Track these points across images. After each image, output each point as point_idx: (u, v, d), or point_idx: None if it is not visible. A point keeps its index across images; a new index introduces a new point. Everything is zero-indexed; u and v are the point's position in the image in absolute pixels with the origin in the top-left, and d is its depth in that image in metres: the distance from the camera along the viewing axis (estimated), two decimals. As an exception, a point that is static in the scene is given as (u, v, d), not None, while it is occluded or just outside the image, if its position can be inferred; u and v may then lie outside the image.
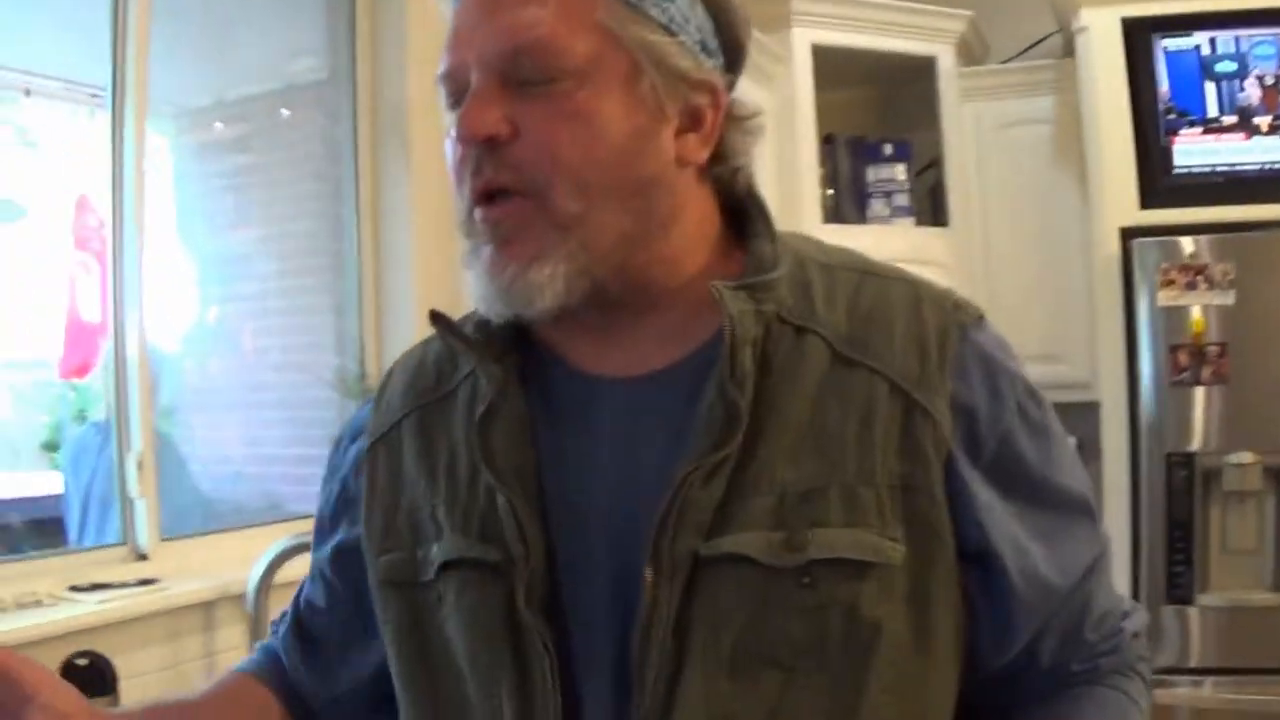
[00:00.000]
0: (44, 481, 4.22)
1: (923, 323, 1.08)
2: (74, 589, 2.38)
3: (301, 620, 1.31)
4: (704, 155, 1.09)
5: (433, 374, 1.21)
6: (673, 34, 1.05)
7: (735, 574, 1.01)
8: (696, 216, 1.10)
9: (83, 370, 4.01)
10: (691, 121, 1.07)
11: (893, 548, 1.02)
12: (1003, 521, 1.07)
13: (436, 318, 1.14)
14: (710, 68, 1.08)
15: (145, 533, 2.66)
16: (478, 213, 1.05)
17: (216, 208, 3.47)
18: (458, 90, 1.06)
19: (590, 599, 1.06)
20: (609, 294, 1.06)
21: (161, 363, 2.98)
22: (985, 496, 1.06)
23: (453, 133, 1.05)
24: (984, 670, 1.11)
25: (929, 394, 1.05)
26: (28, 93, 3.59)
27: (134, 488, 2.67)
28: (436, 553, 1.12)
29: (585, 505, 1.08)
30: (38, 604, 2.30)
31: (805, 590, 1.00)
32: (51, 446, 4.86)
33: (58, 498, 3.60)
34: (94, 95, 3.16)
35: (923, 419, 1.04)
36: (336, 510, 1.26)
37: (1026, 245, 4.02)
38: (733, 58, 1.12)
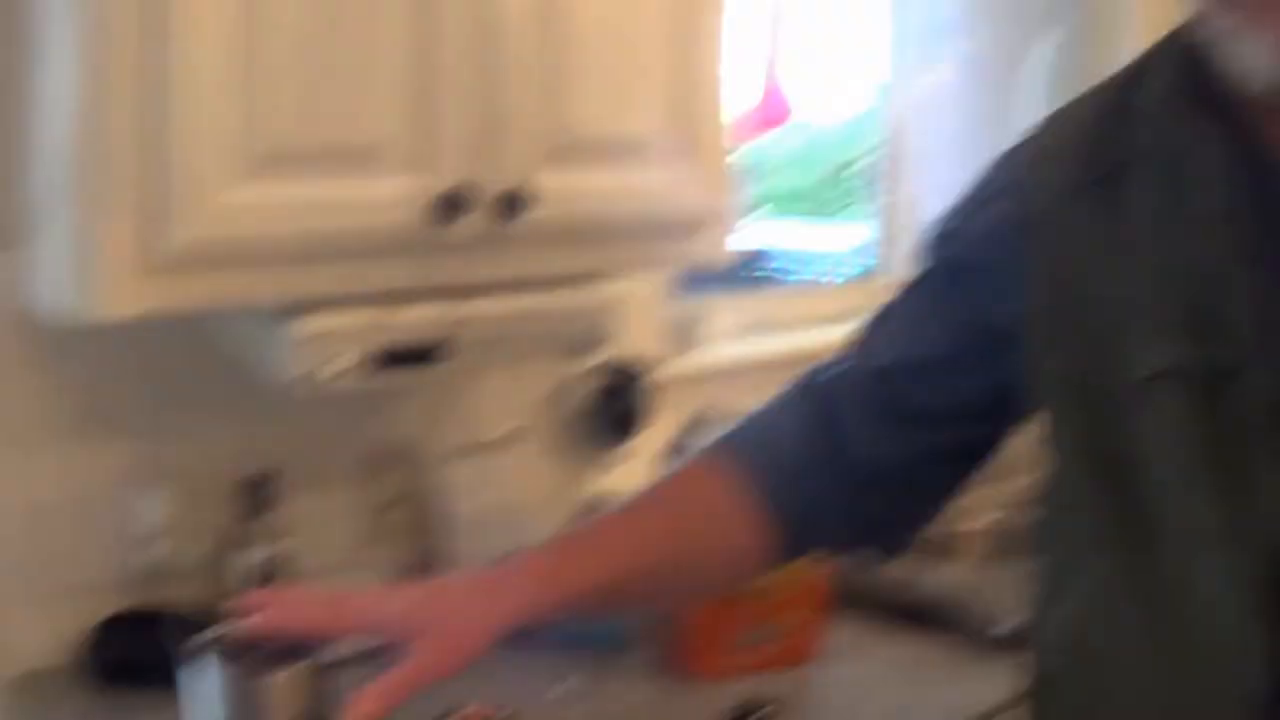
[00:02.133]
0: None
1: None
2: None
3: (883, 384, 1.17)
4: None
5: (1094, 142, 1.07)
6: None
7: None
8: None
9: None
10: None
11: None
12: None
13: (1190, 78, 0.99)
14: None
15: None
16: None
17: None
18: None
19: None
20: None
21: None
22: None
23: None
24: None
25: None
26: None
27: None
28: (1144, 356, 0.99)
29: None
30: (813, 325, 2.56)
31: None
32: None
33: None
34: None
35: None
36: (973, 275, 1.15)
37: None
38: None
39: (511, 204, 1.56)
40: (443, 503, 1.99)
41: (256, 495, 1.75)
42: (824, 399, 1.20)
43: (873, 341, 1.21)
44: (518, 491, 2.03)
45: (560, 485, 2.14)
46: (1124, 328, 1.01)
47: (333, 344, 1.54)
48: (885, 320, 1.21)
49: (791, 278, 3.96)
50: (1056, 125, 1.14)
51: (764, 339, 2.56)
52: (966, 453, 1.19)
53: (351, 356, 1.54)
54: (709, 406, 2.10)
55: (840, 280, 3.14)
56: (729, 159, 1.84)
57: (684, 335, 2.33)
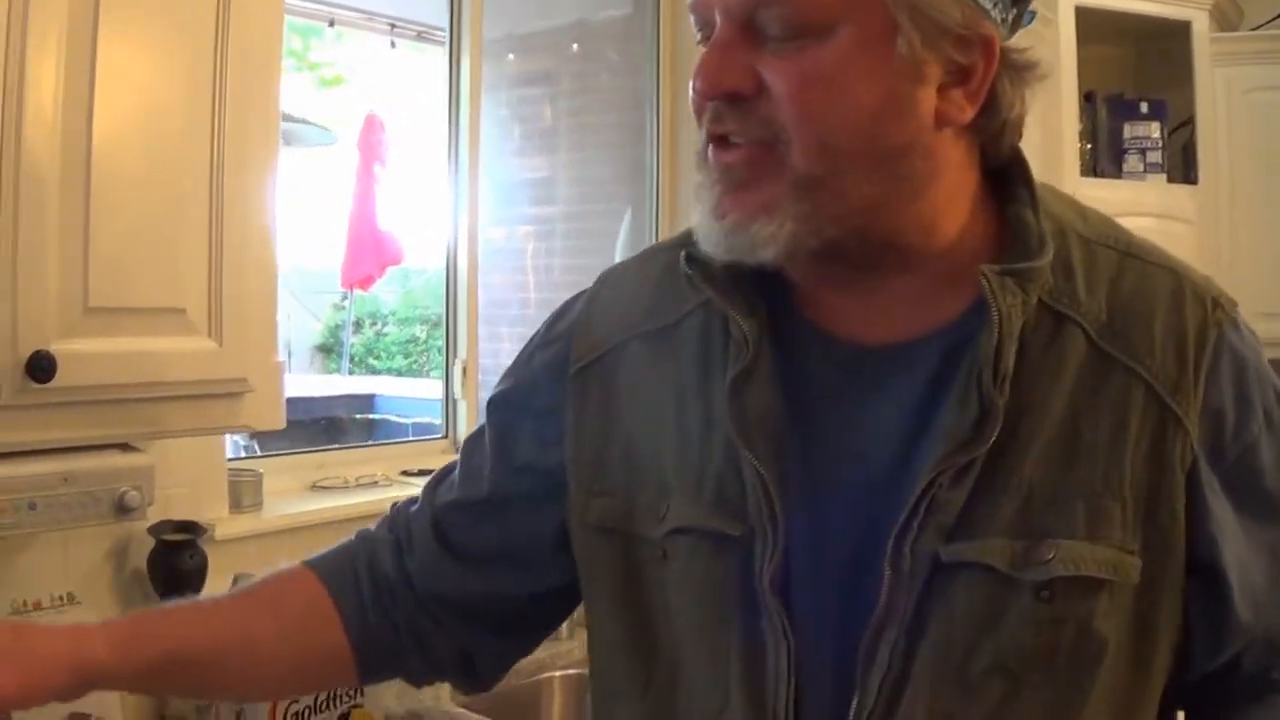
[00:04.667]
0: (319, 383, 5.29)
1: (1182, 319, 1.03)
2: (404, 473, 2.86)
3: (441, 522, 1.23)
4: (969, 115, 0.99)
5: (649, 298, 1.14)
6: None
7: (974, 580, 0.97)
8: (954, 177, 1.02)
9: (365, 282, 4.23)
10: (957, 77, 0.97)
11: (1131, 564, 0.99)
12: (1234, 537, 1.03)
13: (691, 260, 1.06)
14: (986, 13, 0.97)
15: (464, 429, 3.04)
16: (711, 152, 1.00)
17: (505, 135, 3.77)
18: (704, 25, 0.99)
19: (822, 586, 1.02)
20: (849, 255, 1.00)
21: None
22: (1219, 510, 1.02)
23: (693, 78, 0.98)
24: (1186, 675, 1.07)
25: (1184, 402, 1.00)
26: (331, 24, 3.76)
27: (458, 389, 3.08)
28: (667, 514, 1.07)
29: (827, 485, 1.03)
30: (374, 484, 2.76)
31: (1042, 604, 0.97)
32: (326, 350, 5.96)
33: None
34: (393, 27, 3.45)
35: (1175, 429, 1.00)
36: (525, 421, 1.20)
37: (1273, 206, 4.08)
38: None
39: (37, 368, 1.58)
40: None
41: None
42: (399, 534, 1.26)
43: (440, 484, 1.28)
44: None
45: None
46: (653, 481, 1.09)
47: None
48: (455, 465, 1.28)
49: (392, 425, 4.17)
50: (614, 280, 1.22)
51: (325, 498, 2.62)
52: (540, 595, 1.24)
53: None
54: (261, 566, 2.14)
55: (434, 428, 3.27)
56: (270, 324, 1.91)
57: (242, 494, 2.37)
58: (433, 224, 3.40)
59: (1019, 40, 1.03)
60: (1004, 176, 1.07)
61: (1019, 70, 1.02)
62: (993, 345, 0.97)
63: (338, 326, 6.35)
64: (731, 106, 0.97)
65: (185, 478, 2.23)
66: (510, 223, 3.76)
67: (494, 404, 1.26)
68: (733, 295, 1.06)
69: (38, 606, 2.00)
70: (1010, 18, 1.01)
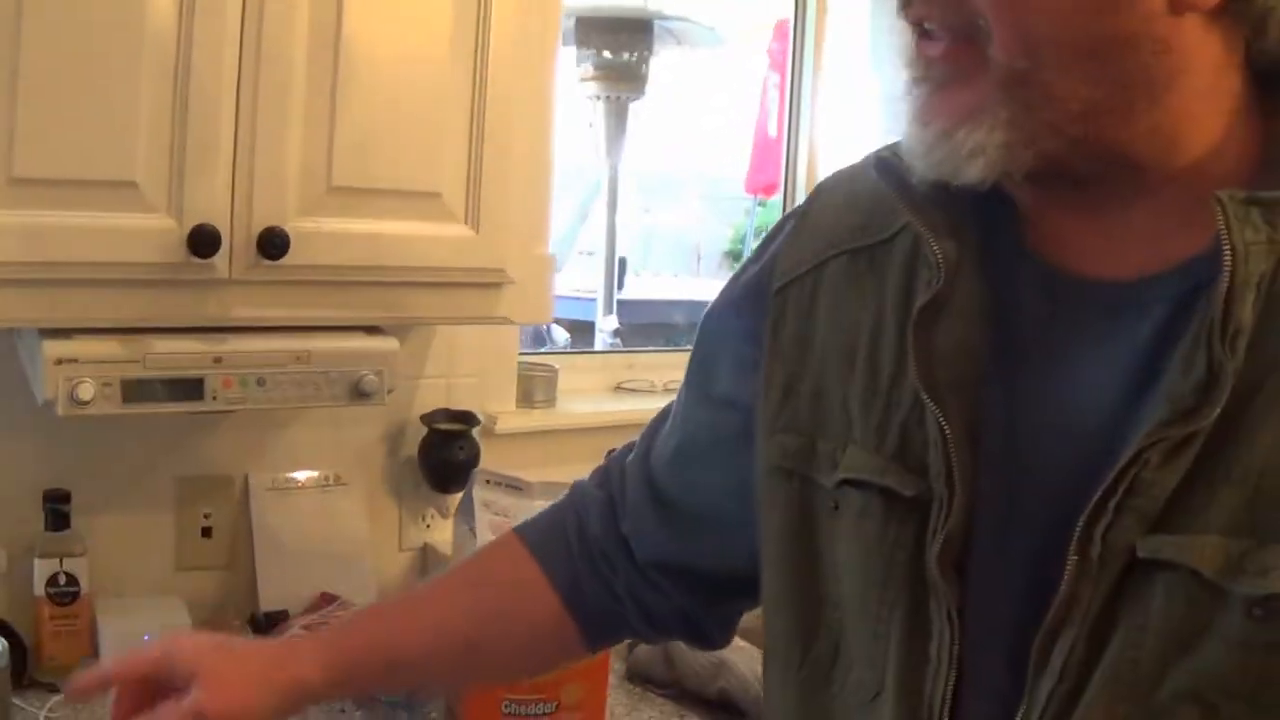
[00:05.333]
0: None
1: None
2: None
3: (655, 479, 1.16)
4: None
5: (864, 210, 1.01)
6: None
7: (1174, 585, 0.80)
8: (1207, 76, 0.84)
9: (769, 189, 4.08)
10: None
11: None
12: None
13: (884, 165, 0.94)
14: None
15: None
16: (915, 44, 0.87)
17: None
18: None
19: (1002, 567, 0.88)
20: (1071, 171, 0.86)
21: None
22: None
23: None
24: None
25: None
26: None
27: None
28: (842, 460, 0.96)
29: (1024, 446, 0.88)
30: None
31: (1256, 623, 0.79)
32: (734, 256, 5.67)
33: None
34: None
35: None
36: (726, 347, 1.11)
37: None
38: None
39: (269, 245, 1.56)
40: (255, 538, 1.98)
41: (55, 510, 1.78)
42: (613, 491, 1.19)
43: (654, 429, 1.20)
44: (334, 533, 2.02)
45: (381, 531, 2.12)
46: (839, 420, 0.97)
47: (80, 369, 1.55)
48: (670, 407, 1.20)
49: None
50: (829, 189, 1.09)
51: (624, 400, 2.52)
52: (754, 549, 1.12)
53: (94, 384, 1.55)
54: (542, 463, 2.08)
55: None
56: (542, 216, 1.82)
57: (534, 389, 2.30)
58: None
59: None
60: (1275, 81, 0.87)
61: None
62: (1222, 293, 0.78)
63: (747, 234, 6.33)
64: None
65: (474, 367, 2.17)
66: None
67: (699, 330, 1.15)
68: (929, 210, 0.91)
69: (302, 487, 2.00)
70: None
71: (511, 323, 1.87)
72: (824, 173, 2.71)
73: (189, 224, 1.52)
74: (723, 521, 1.11)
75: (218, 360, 1.62)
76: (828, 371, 0.99)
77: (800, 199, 2.66)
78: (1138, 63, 0.81)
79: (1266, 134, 0.86)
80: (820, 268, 1.02)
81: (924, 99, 0.85)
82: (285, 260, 1.57)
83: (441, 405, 2.10)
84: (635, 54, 2.94)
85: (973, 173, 0.83)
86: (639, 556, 1.16)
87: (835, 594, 0.96)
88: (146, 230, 1.52)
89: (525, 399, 2.27)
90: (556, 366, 2.35)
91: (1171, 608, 0.80)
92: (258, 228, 1.56)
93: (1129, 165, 0.84)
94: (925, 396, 0.88)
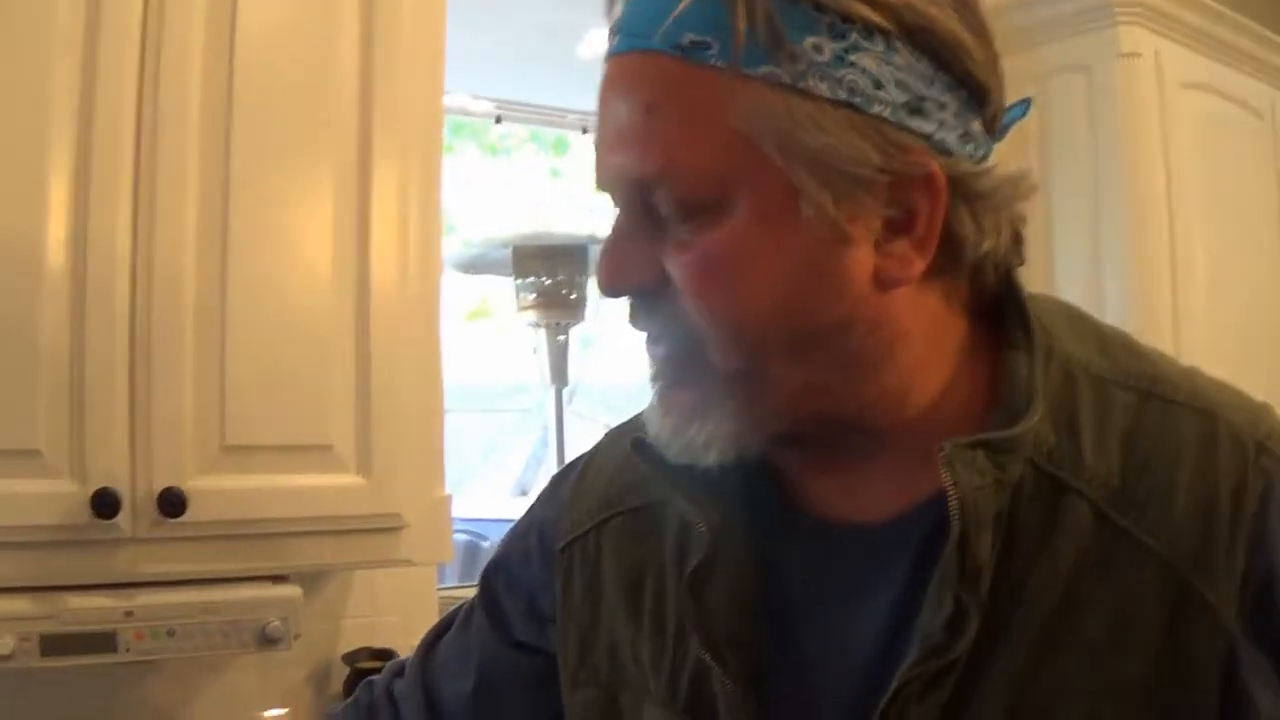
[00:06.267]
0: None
1: (1214, 472, 0.84)
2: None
3: (441, 711, 1.19)
4: (919, 266, 0.82)
5: (635, 469, 0.99)
6: (856, 108, 0.78)
7: None
8: (924, 336, 0.87)
9: None
10: (897, 227, 0.82)
11: None
12: None
13: (640, 446, 0.93)
14: (926, 139, 0.80)
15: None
16: (647, 346, 0.89)
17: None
18: (614, 207, 0.89)
19: None
20: (808, 441, 0.89)
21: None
22: (1269, 703, 0.82)
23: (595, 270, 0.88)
24: None
25: (1209, 577, 0.82)
26: (584, 130, 3.63)
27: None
28: (643, 716, 0.98)
29: (807, 690, 0.91)
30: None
31: None
32: None
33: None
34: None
35: (1197, 610, 0.81)
36: (519, 594, 1.14)
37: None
38: (980, 96, 0.84)
39: (168, 504, 1.67)
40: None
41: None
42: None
43: (428, 663, 1.22)
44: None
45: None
46: (632, 678, 1.01)
47: (-1, 626, 1.66)
48: (444, 631, 1.23)
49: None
50: (609, 441, 1.12)
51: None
52: None
53: (14, 639, 1.66)
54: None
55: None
56: (434, 455, 1.92)
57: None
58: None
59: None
60: (1001, 313, 0.91)
61: (984, 197, 0.84)
62: (955, 539, 0.81)
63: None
64: (641, 301, 0.86)
65: (394, 605, 2.26)
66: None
67: (488, 572, 1.19)
68: (688, 484, 0.93)
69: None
70: (976, 128, 0.84)
71: (412, 564, 1.96)
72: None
73: (91, 487, 1.64)
74: None
75: (129, 614, 1.71)
76: (617, 626, 1.02)
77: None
78: (852, 344, 0.84)
79: (996, 366, 0.89)
80: (601, 526, 1.05)
81: (659, 393, 0.88)
82: (185, 518, 1.68)
83: (365, 644, 2.17)
84: (569, 279, 3.04)
85: (710, 459, 0.86)
86: None
87: None
88: (51, 495, 1.63)
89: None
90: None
91: None
92: (157, 488, 1.67)
93: (862, 429, 0.88)
94: (708, 657, 0.91)
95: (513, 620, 1.15)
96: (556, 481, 1.16)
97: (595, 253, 3.34)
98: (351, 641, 2.19)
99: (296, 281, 1.80)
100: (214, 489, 1.73)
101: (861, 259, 0.81)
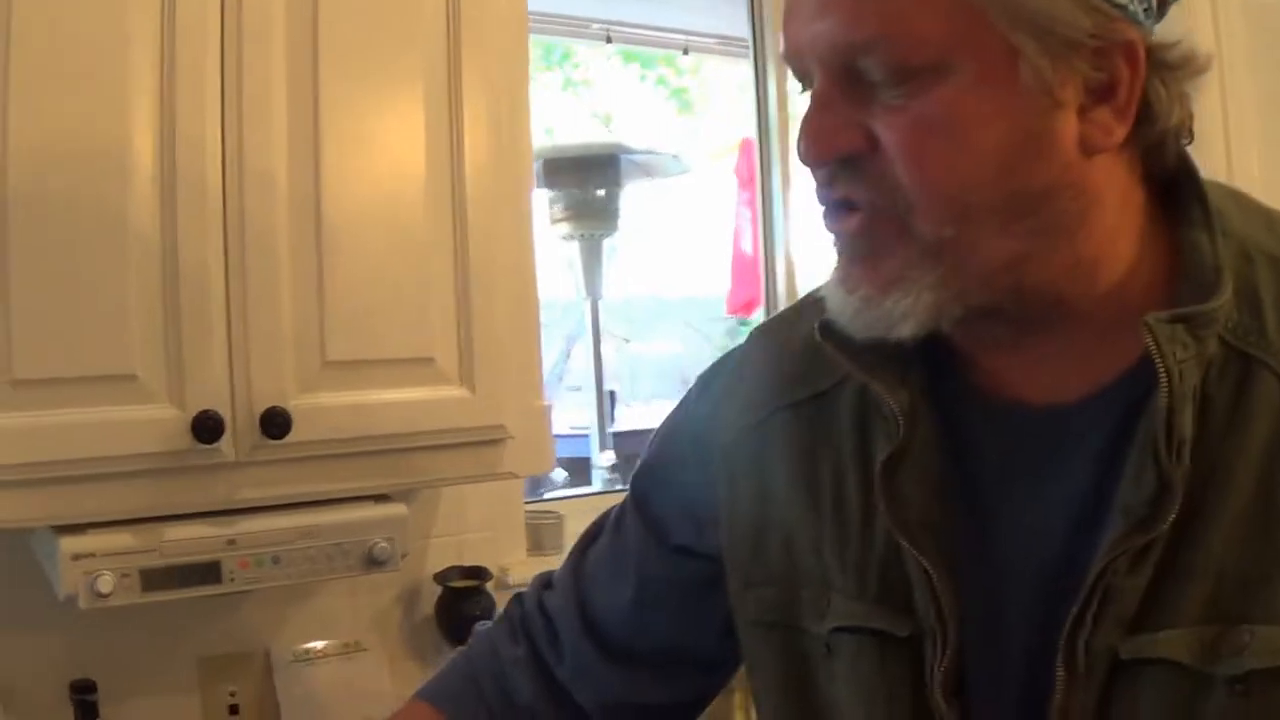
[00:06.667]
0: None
1: None
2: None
3: (596, 625, 1.17)
4: (1120, 135, 0.84)
5: (801, 361, 1.02)
6: None
7: (1160, 679, 0.84)
8: (1115, 206, 0.88)
9: (749, 306, 4.20)
10: (1100, 94, 0.84)
11: None
12: None
13: (826, 329, 0.94)
14: (1124, 10, 0.83)
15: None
16: (830, 218, 0.89)
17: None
18: (803, 76, 0.89)
19: (998, 685, 0.91)
20: (1004, 315, 0.89)
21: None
22: None
23: (798, 138, 0.87)
24: None
25: None
26: (685, 51, 3.72)
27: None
28: (829, 609, 0.98)
29: (999, 571, 0.91)
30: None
31: (1238, 698, 0.82)
32: None
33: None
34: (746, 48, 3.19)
35: None
36: (674, 498, 1.13)
37: None
38: None
39: (272, 425, 1.60)
40: (282, 711, 1.99)
41: (82, 701, 1.79)
42: (537, 642, 1.20)
43: (580, 570, 1.21)
44: (359, 699, 2.03)
45: (406, 692, 2.10)
46: (815, 572, 0.99)
47: (98, 563, 1.57)
48: (593, 540, 1.21)
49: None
50: (766, 337, 1.13)
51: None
52: (716, 685, 1.20)
53: (113, 576, 1.58)
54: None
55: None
56: (532, 366, 1.87)
57: (543, 538, 2.31)
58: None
59: (1168, 29, 0.87)
60: (1175, 189, 0.92)
61: (1173, 69, 0.87)
62: (1163, 408, 0.83)
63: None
64: (845, 168, 0.86)
65: (482, 522, 2.20)
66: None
67: (639, 478, 1.18)
68: (876, 367, 0.93)
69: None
70: (1153, 3, 0.86)
71: (516, 476, 1.90)
72: (804, 285, 2.78)
73: (192, 411, 1.56)
74: (679, 661, 1.16)
75: (231, 543, 1.65)
76: (793, 519, 1.01)
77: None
78: (1056, 210, 0.85)
79: (1176, 241, 0.90)
80: (765, 422, 1.04)
81: (846, 268, 0.89)
82: (288, 439, 1.61)
83: (453, 563, 2.12)
84: (604, 190, 2.99)
85: (904, 332, 0.87)
86: (582, 699, 1.18)
87: None
88: (149, 421, 1.55)
89: (535, 548, 2.30)
90: (561, 513, 2.37)
91: (1160, 700, 0.83)
92: (259, 409, 1.60)
93: (1055, 301, 0.88)
94: (904, 541, 0.91)
95: (669, 525, 1.13)
96: (706, 380, 1.15)
97: (626, 163, 3.32)
98: (440, 561, 2.13)
99: (391, 193, 1.72)
100: (317, 406, 1.65)
101: (1069, 125, 0.83)
